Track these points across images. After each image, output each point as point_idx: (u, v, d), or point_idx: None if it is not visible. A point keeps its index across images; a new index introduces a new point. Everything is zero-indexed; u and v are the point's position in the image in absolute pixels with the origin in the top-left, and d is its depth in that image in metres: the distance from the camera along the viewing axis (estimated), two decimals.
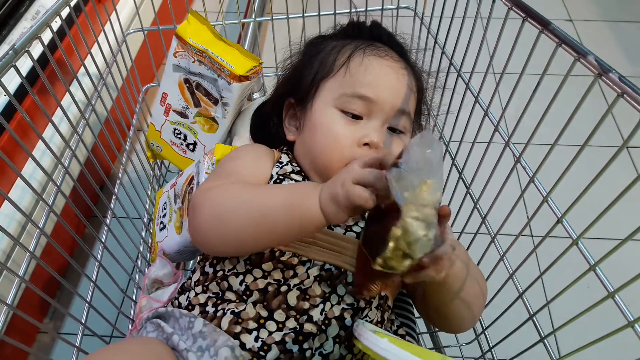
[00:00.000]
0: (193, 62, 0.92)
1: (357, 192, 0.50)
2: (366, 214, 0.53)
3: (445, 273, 0.51)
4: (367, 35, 0.80)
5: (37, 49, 0.86)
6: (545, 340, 0.65)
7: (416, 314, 0.88)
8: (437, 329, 0.89)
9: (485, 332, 0.79)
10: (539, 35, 0.60)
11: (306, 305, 0.60)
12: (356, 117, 0.71)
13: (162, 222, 0.88)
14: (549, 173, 0.64)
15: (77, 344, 0.69)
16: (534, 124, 0.64)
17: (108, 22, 0.95)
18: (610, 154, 0.50)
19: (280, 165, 0.73)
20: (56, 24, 0.73)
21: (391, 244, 0.46)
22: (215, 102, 0.93)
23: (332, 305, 0.60)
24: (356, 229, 0.66)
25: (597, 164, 0.52)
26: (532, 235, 1.24)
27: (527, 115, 0.65)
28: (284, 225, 0.56)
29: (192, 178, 0.83)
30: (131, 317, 0.82)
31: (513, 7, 0.66)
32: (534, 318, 0.68)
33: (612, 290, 0.53)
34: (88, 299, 0.74)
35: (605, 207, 0.52)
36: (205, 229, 0.62)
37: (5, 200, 0.62)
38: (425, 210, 0.46)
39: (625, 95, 0.48)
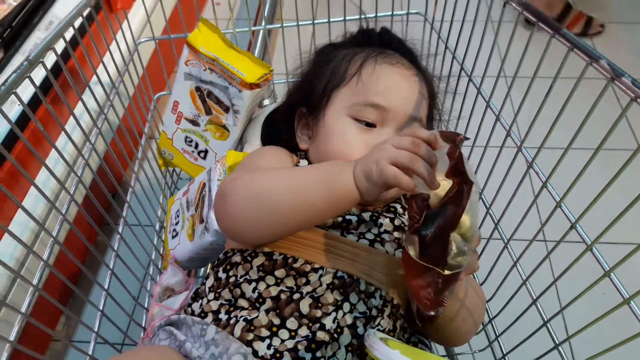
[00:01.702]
0: (204, 70, 0.93)
1: (391, 172, 0.52)
2: (407, 228, 0.53)
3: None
4: (377, 42, 0.80)
5: (50, 59, 0.87)
6: (560, 347, 0.64)
7: None
8: None
9: (499, 338, 0.79)
10: (550, 40, 0.60)
11: (319, 313, 0.59)
12: (369, 125, 0.71)
13: (174, 230, 0.88)
14: (562, 178, 0.64)
15: (90, 352, 0.69)
16: (545, 129, 0.63)
17: (120, 31, 0.96)
18: (623, 157, 0.50)
19: None
20: (69, 33, 0.74)
21: (454, 242, 0.47)
22: (227, 109, 0.93)
23: (345, 314, 0.60)
24: (369, 235, 0.66)
25: (610, 168, 0.52)
26: (545, 240, 1.23)
27: (539, 120, 0.65)
28: (321, 201, 0.58)
29: (204, 185, 0.84)
30: (143, 325, 0.82)
31: (524, 12, 0.65)
32: (548, 324, 0.67)
33: (628, 296, 0.52)
34: (100, 307, 0.74)
35: (619, 211, 0.51)
36: (238, 211, 0.62)
37: (19, 209, 0.62)
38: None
39: (639, 100, 0.48)
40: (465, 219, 0.47)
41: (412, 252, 0.50)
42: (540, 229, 0.65)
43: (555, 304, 0.94)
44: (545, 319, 0.67)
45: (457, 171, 0.50)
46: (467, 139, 0.52)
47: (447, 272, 0.47)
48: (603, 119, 0.57)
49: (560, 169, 0.63)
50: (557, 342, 0.65)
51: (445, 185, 0.52)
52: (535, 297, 0.69)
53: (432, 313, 0.50)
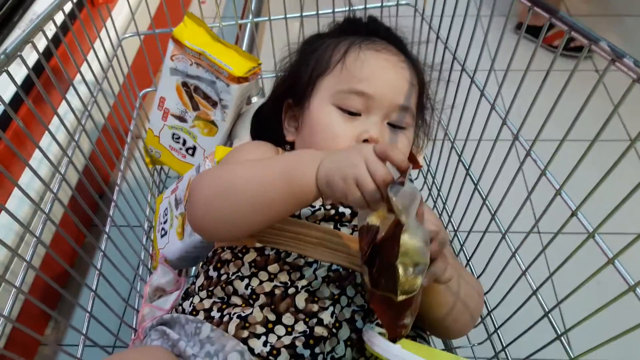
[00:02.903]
0: (190, 64, 0.90)
1: (357, 198, 0.50)
2: (360, 261, 0.52)
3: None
4: (364, 30, 0.79)
5: (32, 57, 0.85)
6: (562, 338, 0.63)
7: None
8: None
9: (498, 331, 0.77)
10: (547, 24, 0.58)
11: (315, 307, 0.58)
12: (354, 113, 0.69)
13: (163, 229, 0.86)
14: (558, 169, 0.63)
15: (79, 356, 0.67)
16: (538, 121, 0.62)
17: (103, 27, 0.93)
18: (616, 146, 0.49)
19: None
20: (50, 31, 0.71)
21: (401, 270, 0.46)
22: (214, 104, 0.91)
23: (342, 308, 0.58)
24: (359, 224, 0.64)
25: (605, 157, 0.50)
26: (539, 232, 1.22)
27: (531, 112, 0.64)
28: (281, 195, 0.55)
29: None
30: (134, 326, 0.80)
31: None
32: (549, 315, 0.66)
33: (633, 283, 0.51)
34: (89, 309, 0.72)
35: (615, 202, 0.50)
36: (202, 207, 0.60)
37: (2, 211, 0.60)
38: (416, 223, 0.47)
39: None
40: (408, 245, 0.46)
41: (366, 280, 0.50)
42: (541, 217, 0.64)
43: (551, 296, 0.93)
44: (547, 310, 0.66)
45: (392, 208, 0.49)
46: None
47: (401, 297, 0.47)
48: (594, 109, 0.56)
49: (555, 160, 0.62)
50: (559, 333, 0.63)
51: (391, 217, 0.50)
52: (535, 288, 0.68)
53: (398, 337, 0.52)
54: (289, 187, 0.55)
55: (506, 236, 0.74)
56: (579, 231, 0.58)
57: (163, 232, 0.85)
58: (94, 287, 0.74)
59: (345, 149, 0.55)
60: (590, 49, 0.52)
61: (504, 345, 0.75)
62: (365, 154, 0.51)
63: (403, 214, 0.46)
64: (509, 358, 0.75)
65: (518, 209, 0.69)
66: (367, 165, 0.50)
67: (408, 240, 0.46)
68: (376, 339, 0.48)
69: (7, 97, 0.99)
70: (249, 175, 0.59)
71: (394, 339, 0.53)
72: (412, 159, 0.51)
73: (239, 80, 0.87)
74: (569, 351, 0.62)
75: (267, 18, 1.09)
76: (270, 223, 0.60)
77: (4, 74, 0.62)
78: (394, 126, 0.72)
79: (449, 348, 0.86)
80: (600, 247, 0.55)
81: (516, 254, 0.72)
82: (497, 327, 0.77)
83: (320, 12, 1.06)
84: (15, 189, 1.03)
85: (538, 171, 0.65)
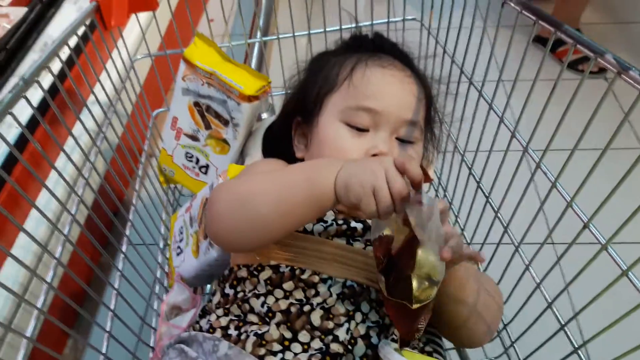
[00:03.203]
0: (202, 84, 0.92)
1: (371, 206, 0.51)
2: (376, 269, 0.54)
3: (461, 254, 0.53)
4: (370, 46, 0.80)
5: (47, 79, 0.86)
6: (579, 351, 0.63)
7: None
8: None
9: (514, 345, 0.77)
10: (553, 37, 0.59)
11: (330, 324, 0.58)
12: (362, 130, 0.70)
13: (179, 247, 0.87)
14: (569, 178, 0.63)
15: None
16: (546, 132, 0.62)
17: (115, 48, 0.95)
18: (628, 154, 0.49)
19: None
20: (64, 54, 0.73)
21: (415, 282, 0.49)
22: (226, 123, 0.93)
23: (357, 324, 0.59)
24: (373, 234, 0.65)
25: (615, 168, 0.51)
26: (553, 243, 1.21)
27: (539, 124, 0.64)
28: (303, 199, 0.56)
29: (207, 200, 0.83)
30: (151, 345, 0.81)
31: (523, 11, 0.65)
32: (565, 328, 0.66)
33: None
34: (107, 329, 0.72)
35: (628, 212, 0.50)
36: (223, 216, 0.61)
37: (21, 232, 0.61)
38: (435, 240, 0.49)
39: None
40: (424, 260, 0.48)
41: (382, 288, 0.52)
42: (553, 229, 0.64)
43: (567, 308, 0.92)
44: (562, 322, 0.65)
45: (408, 222, 0.51)
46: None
47: (415, 305, 0.49)
48: (602, 120, 0.57)
49: (566, 170, 0.62)
50: (576, 346, 0.63)
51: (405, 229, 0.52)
52: (550, 301, 0.68)
53: (410, 342, 0.55)
54: (311, 190, 0.56)
55: (519, 248, 0.74)
56: (593, 241, 0.58)
57: (179, 251, 0.86)
58: (112, 306, 0.75)
59: (367, 158, 0.56)
60: (596, 62, 0.53)
61: (521, 359, 0.75)
62: (385, 165, 0.52)
63: (419, 230, 0.48)
64: None
65: (530, 221, 0.69)
66: (386, 176, 0.51)
67: (423, 255, 0.48)
68: (392, 356, 0.49)
69: (24, 119, 1.01)
70: (271, 182, 0.60)
71: (407, 343, 0.56)
72: (424, 173, 0.52)
73: (250, 99, 0.88)
74: None
75: (275, 37, 1.10)
76: (290, 230, 0.60)
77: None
78: (402, 141, 0.72)
79: None
80: (614, 259, 0.55)
81: (530, 267, 0.71)
82: (513, 341, 0.77)
83: (327, 29, 1.07)
84: (33, 210, 1.05)
85: (549, 182, 0.65)
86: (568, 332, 0.66)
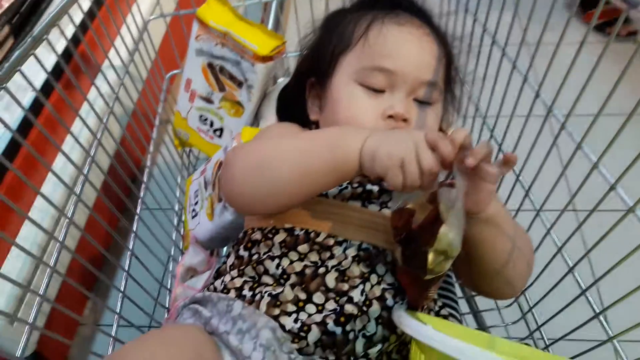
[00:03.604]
0: (215, 44, 0.90)
1: (397, 178, 0.50)
2: (393, 239, 0.55)
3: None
4: (388, 3, 0.77)
5: (60, 44, 0.85)
6: (600, 316, 0.62)
7: (459, 293, 0.85)
8: (480, 309, 0.86)
9: (532, 310, 0.76)
10: None
11: (345, 286, 0.57)
12: (378, 90, 0.67)
13: (194, 210, 0.87)
14: (594, 144, 0.61)
15: (113, 334, 0.68)
16: (572, 94, 0.60)
17: (129, 12, 0.94)
18: None
19: None
20: (78, 17, 0.72)
21: (431, 257, 0.50)
22: (240, 84, 0.91)
23: (372, 286, 0.58)
24: (393, 205, 0.63)
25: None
26: (575, 210, 1.19)
27: (565, 84, 0.62)
28: (324, 165, 0.56)
29: (221, 164, 0.82)
30: (167, 306, 0.82)
31: None
32: (585, 293, 0.64)
33: None
34: (122, 289, 0.73)
35: None
36: (240, 179, 0.60)
37: (38, 195, 0.61)
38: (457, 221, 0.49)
39: None
40: (444, 236, 0.49)
41: (398, 257, 0.54)
42: (577, 192, 0.62)
43: (587, 274, 0.90)
44: (583, 288, 0.64)
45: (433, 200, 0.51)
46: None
47: (428, 276, 0.51)
48: (630, 84, 0.54)
49: (591, 135, 0.59)
50: (597, 311, 0.62)
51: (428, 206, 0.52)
52: (571, 265, 0.66)
53: (419, 308, 0.58)
54: (333, 157, 0.55)
55: (540, 213, 0.72)
56: (617, 208, 0.56)
57: (194, 214, 0.86)
58: (127, 268, 0.75)
59: (397, 130, 0.54)
60: (628, 16, 0.50)
61: (539, 324, 0.74)
62: (416, 139, 0.51)
63: (445, 211, 0.49)
64: (544, 337, 0.73)
65: (553, 185, 0.67)
66: (416, 150, 0.50)
67: (444, 234, 0.49)
68: (406, 320, 0.48)
69: (38, 84, 1.01)
70: (291, 146, 0.59)
71: (415, 309, 0.58)
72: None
73: (264, 59, 0.86)
74: (608, 330, 0.61)
75: None
76: (308, 197, 0.59)
77: (33, 58, 0.62)
78: (420, 102, 0.70)
79: (482, 327, 0.85)
80: None
81: (551, 231, 0.70)
82: (531, 306, 0.76)
83: None
84: (49, 174, 1.06)
85: (573, 146, 0.63)
86: (589, 298, 0.64)
